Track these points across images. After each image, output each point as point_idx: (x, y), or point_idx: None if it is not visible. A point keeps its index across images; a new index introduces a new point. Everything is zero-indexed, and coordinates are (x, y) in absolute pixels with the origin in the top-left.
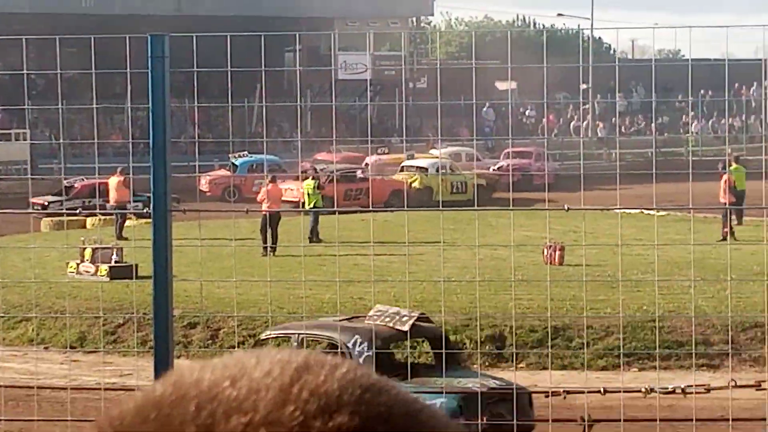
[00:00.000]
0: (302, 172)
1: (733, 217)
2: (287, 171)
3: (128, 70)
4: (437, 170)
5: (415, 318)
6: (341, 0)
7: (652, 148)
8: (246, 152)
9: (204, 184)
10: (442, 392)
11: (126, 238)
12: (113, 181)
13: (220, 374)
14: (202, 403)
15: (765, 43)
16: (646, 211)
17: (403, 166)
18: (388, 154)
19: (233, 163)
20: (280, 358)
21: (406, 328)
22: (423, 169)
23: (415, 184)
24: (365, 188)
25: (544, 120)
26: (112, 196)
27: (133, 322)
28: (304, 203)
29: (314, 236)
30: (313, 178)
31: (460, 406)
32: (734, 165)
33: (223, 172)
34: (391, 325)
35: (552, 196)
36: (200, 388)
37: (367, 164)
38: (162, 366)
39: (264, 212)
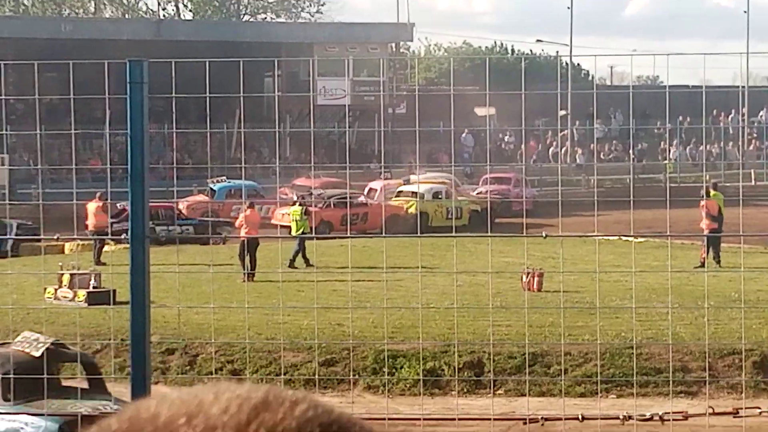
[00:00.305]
0: (283, 197)
1: (712, 246)
2: (264, 196)
3: (107, 95)
4: (433, 196)
5: (48, 344)
6: (320, 25)
7: (631, 175)
8: (224, 177)
9: (183, 209)
10: (44, 414)
11: (104, 263)
12: (92, 207)
13: (177, 410)
14: None
15: (742, 69)
16: (624, 238)
17: (399, 191)
18: (390, 179)
19: (211, 188)
20: (238, 394)
21: (38, 353)
22: (419, 195)
23: (411, 210)
24: (362, 213)
25: (523, 146)
26: (91, 221)
27: (110, 348)
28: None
29: (295, 261)
30: (300, 204)
31: (61, 428)
32: (712, 192)
33: (201, 197)
34: (28, 350)
35: (531, 222)
36: (155, 424)
37: (372, 189)
38: (139, 392)
39: (242, 238)
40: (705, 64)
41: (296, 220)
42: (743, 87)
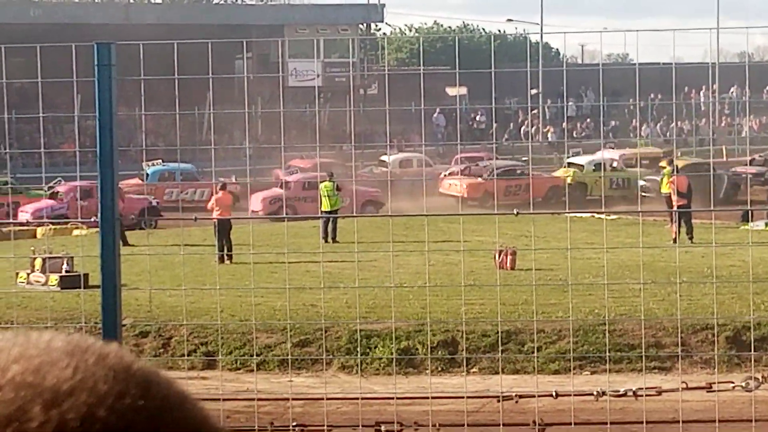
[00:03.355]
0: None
1: (683, 221)
2: (199, 179)
3: (74, 78)
4: (594, 167)
5: None
6: (291, 7)
7: (602, 152)
8: (160, 160)
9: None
10: None
11: (132, 245)
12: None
13: None
14: None
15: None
16: (597, 215)
17: (568, 163)
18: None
19: (146, 172)
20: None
21: None
22: (579, 166)
23: (569, 180)
24: (524, 184)
25: (494, 125)
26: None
27: (83, 332)
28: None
29: (332, 237)
30: (330, 180)
31: None
32: (667, 168)
33: (136, 180)
34: None
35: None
36: None
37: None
38: None
39: (214, 220)
40: (675, 42)
41: (327, 196)
42: (714, 64)
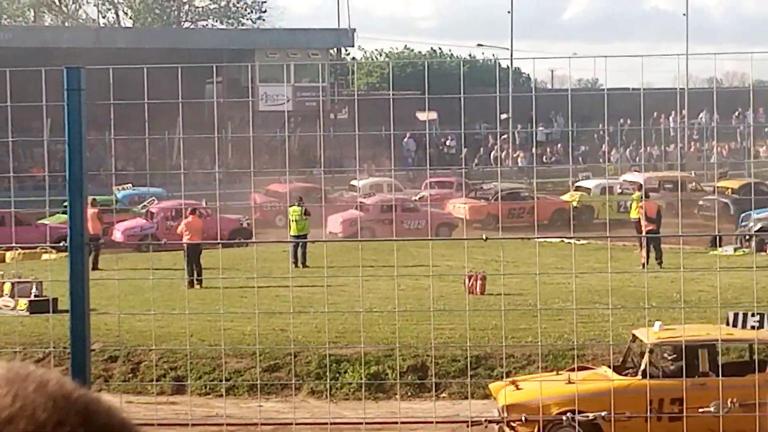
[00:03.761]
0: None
1: (652, 246)
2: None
3: (44, 102)
4: (601, 191)
5: None
6: (261, 32)
7: (570, 177)
8: (130, 184)
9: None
10: None
11: (100, 269)
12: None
13: None
14: None
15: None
16: (566, 240)
17: (576, 186)
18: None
19: (116, 196)
20: None
21: None
22: (586, 189)
23: (574, 203)
24: (529, 207)
25: (464, 150)
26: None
27: (52, 356)
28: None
29: (301, 261)
30: (299, 205)
31: None
32: (636, 193)
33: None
34: None
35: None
36: None
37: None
38: None
39: (184, 244)
40: (644, 67)
41: (295, 221)
42: (683, 89)
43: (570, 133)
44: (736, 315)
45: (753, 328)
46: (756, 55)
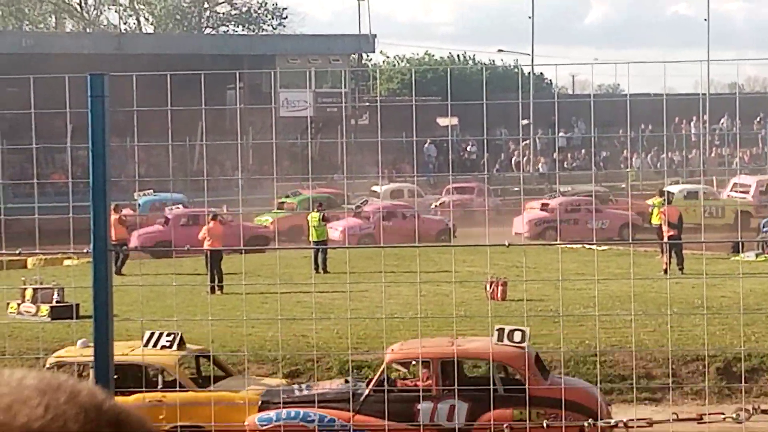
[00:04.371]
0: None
1: (674, 252)
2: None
3: (68, 109)
4: (686, 195)
5: None
6: (282, 38)
7: (593, 184)
8: (151, 190)
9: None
10: None
11: (124, 274)
12: (111, 219)
13: None
14: None
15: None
16: (587, 246)
17: (660, 190)
18: None
19: (138, 202)
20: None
21: None
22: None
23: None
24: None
25: (485, 155)
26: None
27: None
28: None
29: (322, 267)
30: (317, 211)
31: None
32: (657, 199)
33: (128, 211)
34: None
35: (494, 231)
36: None
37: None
38: None
39: (206, 250)
40: (666, 72)
41: (314, 227)
42: (704, 95)
43: (592, 139)
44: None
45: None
46: None
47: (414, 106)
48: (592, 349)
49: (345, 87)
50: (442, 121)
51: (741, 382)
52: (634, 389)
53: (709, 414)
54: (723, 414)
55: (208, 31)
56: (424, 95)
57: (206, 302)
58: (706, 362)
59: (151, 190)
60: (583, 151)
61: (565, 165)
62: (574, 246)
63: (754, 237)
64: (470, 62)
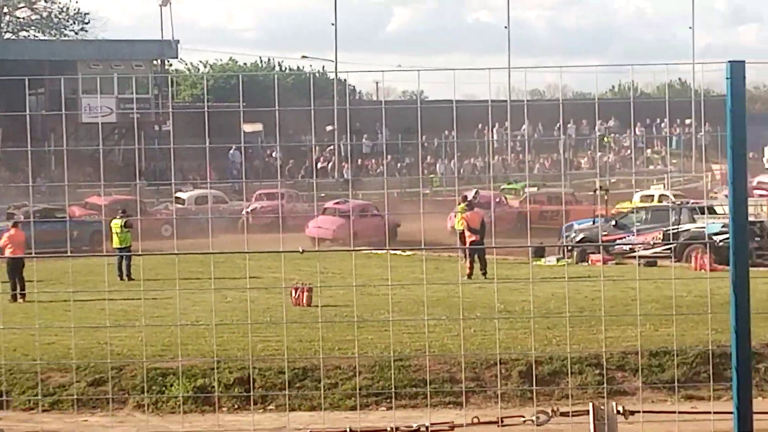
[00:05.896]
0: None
1: (477, 256)
2: None
3: None
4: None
5: None
6: (84, 43)
7: (385, 190)
8: None
9: None
10: None
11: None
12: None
13: None
14: None
15: (503, 84)
16: (392, 252)
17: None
18: None
19: None
20: None
21: None
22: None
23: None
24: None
25: (291, 161)
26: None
27: None
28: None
29: (126, 274)
30: (120, 217)
31: None
32: (460, 205)
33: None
34: None
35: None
36: None
37: None
38: None
39: (6, 258)
40: (468, 79)
41: (116, 233)
42: (505, 101)
43: (398, 144)
44: None
45: None
46: (574, 68)
47: (213, 113)
48: (396, 354)
49: (148, 93)
50: (247, 127)
51: (542, 385)
52: (428, 393)
53: (510, 417)
54: (523, 417)
55: (7, 36)
56: (228, 101)
57: (7, 310)
58: (499, 367)
59: None
60: (389, 157)
61: (370, 171)
62: (379, 252)
63: (555, 242)
64: (278, 67)
